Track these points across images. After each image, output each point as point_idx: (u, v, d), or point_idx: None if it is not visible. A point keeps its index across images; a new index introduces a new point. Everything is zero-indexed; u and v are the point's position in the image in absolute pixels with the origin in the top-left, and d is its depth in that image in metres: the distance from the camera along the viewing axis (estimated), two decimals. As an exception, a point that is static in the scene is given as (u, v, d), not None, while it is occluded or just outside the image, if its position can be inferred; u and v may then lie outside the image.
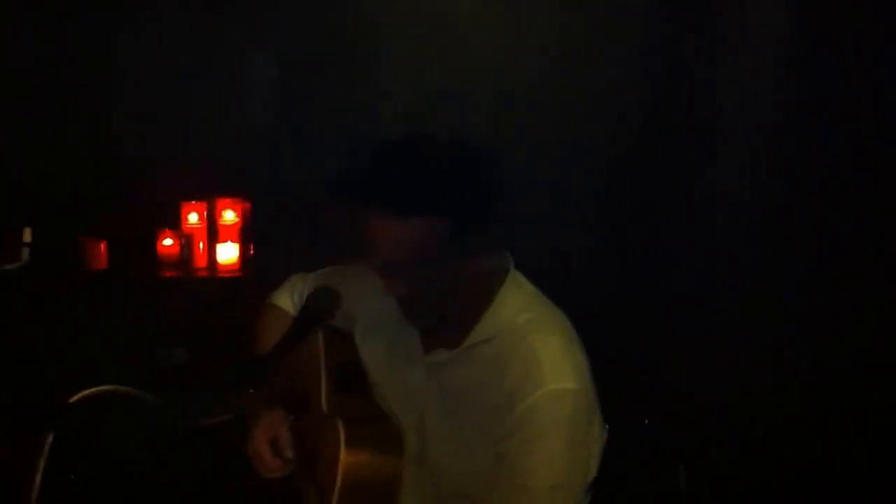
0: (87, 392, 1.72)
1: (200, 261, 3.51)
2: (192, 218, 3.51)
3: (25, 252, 3.40)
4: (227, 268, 3.49)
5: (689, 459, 2.68)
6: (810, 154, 3.05)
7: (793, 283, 3.04)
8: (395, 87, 3.40)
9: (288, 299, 2.13)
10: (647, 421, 2.73)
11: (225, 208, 3.52)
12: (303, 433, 1.94)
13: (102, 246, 3.45)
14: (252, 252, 3.53)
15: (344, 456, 1.76)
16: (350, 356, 1.96)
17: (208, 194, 3.54)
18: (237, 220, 3.52)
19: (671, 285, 3.19)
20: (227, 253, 3.49)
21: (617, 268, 3.27)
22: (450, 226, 1.68)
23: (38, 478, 1.59)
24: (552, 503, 1.74)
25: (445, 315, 1.81)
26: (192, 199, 3.53)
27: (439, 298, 1.76)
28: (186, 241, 3.49)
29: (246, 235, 3.52)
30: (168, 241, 3.49)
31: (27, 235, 3.41)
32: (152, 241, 3.49)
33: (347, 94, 3.43)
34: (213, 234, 3.51)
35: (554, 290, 1.82)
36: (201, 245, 3.50)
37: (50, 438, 1.63)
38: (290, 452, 1.91)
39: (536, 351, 1.74)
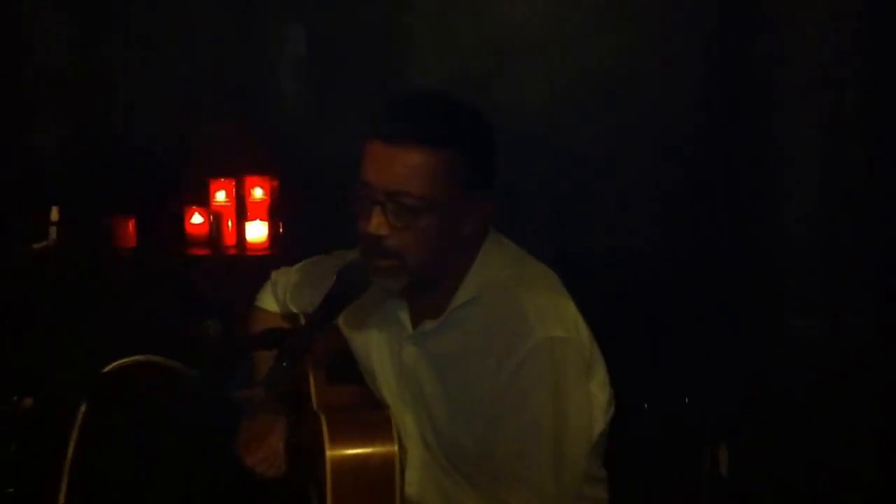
0: (120, 362, 1.69)
1: (229, 239, 3.47)
2: (221, 196, 3.47)
3: (53, 231, 3.39)
4: (257, 246, 3.43)
5: (732, 442, 2.61)
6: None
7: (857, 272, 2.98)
8: (428, 64, 3.36)
9: (272, 300, 2.18)
10: (687, 400, 2.66)
11: (254, 186, 3.47)
12: (304, 429, 1.96)
13: (131, 224, 3.42)
14: (281, 230, 3.48)
15: (329, 451, 1.80)
16: (337, 346, 1.98)
17: (237, 172, 3.50)
18: (266, 197, 3.47)
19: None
20: (256, 231, 3.44)
21: (669, 247, 3.22)
22: (464, 164, 1.73)
23: (72, 447, 1.57)
24: (550, 464, 1.70)
25: (433, 279, 1.79)
26: (221, 177, 3.48)
27: (432, 256, 1.74)
28: (215, 219, 3.45)
29: (275, 213, 3.47)
30: (197, 219, 3.45)
31: (55, 214, 3.40)
32: (181, 219, 3.45)
33: (378, 70, 3.38)
34: (242, 211, 3.47)
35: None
36: (230, 223, 3.46)
37: (83, 408, 1.60)
38: (260, 454, 1.96)
39: (522, 304, 1.74)
